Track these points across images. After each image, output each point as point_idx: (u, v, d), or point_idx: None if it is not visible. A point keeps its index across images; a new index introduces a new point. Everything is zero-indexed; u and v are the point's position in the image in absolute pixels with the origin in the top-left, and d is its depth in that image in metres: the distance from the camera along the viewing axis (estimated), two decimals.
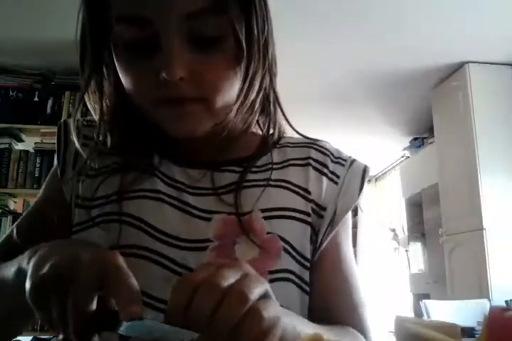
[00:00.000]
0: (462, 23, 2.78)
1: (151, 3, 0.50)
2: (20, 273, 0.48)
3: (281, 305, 0.45)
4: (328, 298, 0.62)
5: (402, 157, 4.88)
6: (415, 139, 4.43)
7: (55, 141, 0.67)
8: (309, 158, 0.65)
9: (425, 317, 2.61)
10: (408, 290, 4.67)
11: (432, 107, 3.63)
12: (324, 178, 0.64)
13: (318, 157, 0.65)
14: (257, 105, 0.60)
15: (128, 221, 0.57)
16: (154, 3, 0.50)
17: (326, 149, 0.67)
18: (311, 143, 0.67)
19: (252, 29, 0.55)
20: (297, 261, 0.59)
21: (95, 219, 0.58)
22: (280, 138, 0.67)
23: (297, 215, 0.60)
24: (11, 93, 3.09)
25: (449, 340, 0.48)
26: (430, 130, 3.93)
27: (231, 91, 0.56)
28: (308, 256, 0.60)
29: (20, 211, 3.13)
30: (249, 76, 0.56)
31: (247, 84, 0.56)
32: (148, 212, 0.58)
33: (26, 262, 0.48)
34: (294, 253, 0.59)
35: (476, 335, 1.95)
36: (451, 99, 3.33)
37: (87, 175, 0.62)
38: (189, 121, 0.55)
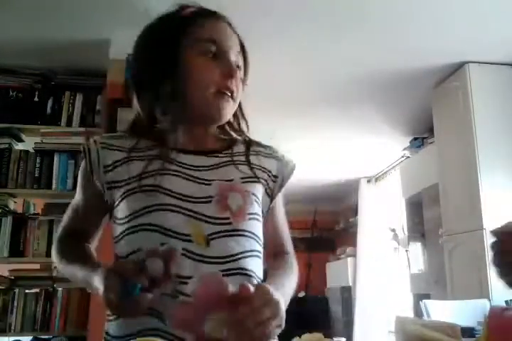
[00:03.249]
0: (462, 23, 2.78)
1: (224, 39, 0.96)
2: (91, 285, 0.87)
3: (252, 232, 0.93)
4: (275, 235, 1.04)
5: (402, 157, 4.88)
6: (415, 139, 4.43)
7: (82, 153, 0.96)
8: (260, 151, 1.04)
9: (425, 317, 2.61)
10: (408, 290, 4.67)
11: (432, 107, 3.63)
12: (273, 160, 1.04)
13: (266, 150, 1.05)
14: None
15: (151, 189, 0.89)
16: (225, 39, 0.96)
17: (270, 149, 1.06)
18: (263, 144, 1.07)
19: (246, 63, 1.01)
20: (259, 207, 0.97)
21: (125, 194, 0.90)
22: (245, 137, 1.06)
23: (258, 180, 0.99)
24: (11, 93, 3.08)
25: (449, 340, 0.48)
26: (430, 130, 3.92)
27: (240, 94, 0.98)
28: (265, 204, 1.01)
29: (20, 211, 3.13)
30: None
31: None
32: (165, 182, 0.90)
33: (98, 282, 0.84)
34: (259, 203, 0.97)
35: (476, 335, 1.95)
36: (451, 99, 3.33)
37: (113, 166, 0.93)
38: (228, 108, 0.96)
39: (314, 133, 4.45)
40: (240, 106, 1.02)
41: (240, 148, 1.02)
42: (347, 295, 6.06)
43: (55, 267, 3.30)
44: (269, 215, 1.02)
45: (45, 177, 2.93)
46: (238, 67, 0.96)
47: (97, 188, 0.93)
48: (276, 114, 3.83)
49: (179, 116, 0.96)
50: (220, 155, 0.98)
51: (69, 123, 3.03)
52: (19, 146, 3.10)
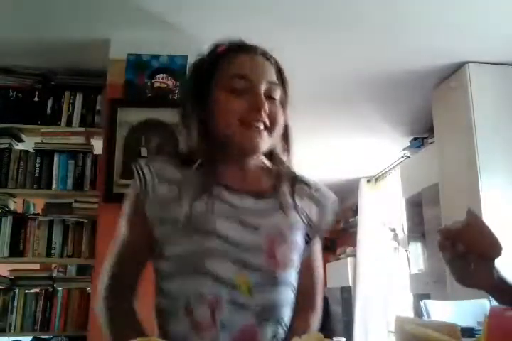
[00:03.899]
0: (462, 23, 2.78)
1: (254, 71, 0.98)
2: None
3: (291, 282, 0.96)
4: (307, 286, 1.03)
5: (402, 157, 4.88)
6: (415, 139, 4.43)
7: (135, 173, 0.97)
8: (308, 193, 1.04)
9: (425, 317, 2.61)
10: (408, 290, 4.66)
11: (432, 107, 3.63)
12: (314, 206, 1.04)
13: (310, 191, 1.05)
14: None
15: (209, 233, 0.90)
16: (256, 72, 0.98)
17: (313, 186, 1.07)
18: (308, 182, 1.08)
19: (285, 97, 1.04)
20: (299, 254, 0.99)
21: (178, 232, 0.91)
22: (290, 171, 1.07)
23: (302, 229, 1.00)
24: (11, 93, 3.08)
25: (449, 340, 0.48)
26: (430, 130, 3.92)
27: (280, 128, 1.02)
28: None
29: (20, 211, 3.13)
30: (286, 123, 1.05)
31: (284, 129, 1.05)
32: (222, 226, 0.91)
33: None
34: (300, 250, 0.99)
35: (476, 335, 1.95)
36: (451, 99, 3.33)
37: (168, 201, 0.93)
38: (260, 139, 0.96)
39: (314, 133, 4.45)
40: (285, 137, 1.05)
41: (286, 187, 1.01)
42: (347, 295, 6.06)
43: (55, 267, 3.30)
44: (304, 263, 1.01)
45: (45, 177, 2.93)
46: (271, 97, 0.97)
47: (147, 222, 0.93)
48: None
49: (217, 149, 0.98)
50: (267, 196, 0.98)
51: (69, 123, 3.03)
52: (19, 146, 3.10)
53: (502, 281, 0.92)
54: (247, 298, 0.87)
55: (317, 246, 1.06)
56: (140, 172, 0.95)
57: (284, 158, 1.05)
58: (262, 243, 0.91)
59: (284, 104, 1.02)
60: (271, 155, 1.05)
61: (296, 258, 0.96)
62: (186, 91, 1.06)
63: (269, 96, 0.97)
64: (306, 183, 1.05)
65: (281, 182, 1.01)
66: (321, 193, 1.06)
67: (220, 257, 0.88)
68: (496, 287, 0.92)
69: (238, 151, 0.98)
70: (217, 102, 0.96)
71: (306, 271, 1.02)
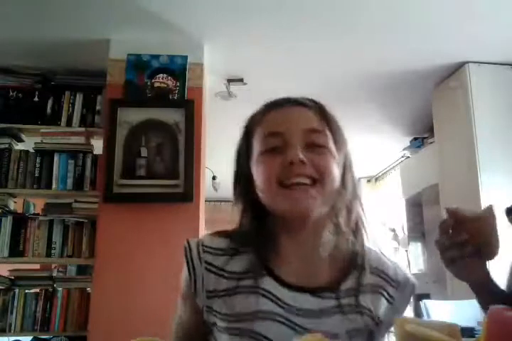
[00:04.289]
0: (462, 23, 2.78)
1: (287, 123, 0.86)
2: None
3: None
4: None
5: (402, 157, 4.88)
6: (415, 139, 4.43)
7: (184, 261, 0.88)
8: (381, 287, 0.87)
9: (425, 317, 2.61)
10: None
11: (432, 107, 3.63)
12: (385, 301, 0.87)
13: (383, 285, 0.88)
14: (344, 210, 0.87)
15: (253, 336, 0.79)
16: (288, 123, 0.86)
17: (388, 277, 0.89)
18: (381, 271, 0.89)
19: (338, 144, 0.88)
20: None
21: (226, 330, 0.81)
22: (360, 255, 0.88)
23: (367, 331, 0.82)
24: (11, 93, 3.08)
25: (449, 340, 0.48)
26: (430, 130, 3.92)
27: (335, 180, 0.84)
28: None
29: (20, 211, 3.13)
30: (344, 176, 0.88)
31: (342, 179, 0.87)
32: (269, 330, 0.79)
33: None
34: None
35: (476, 335, 1.95)
36: (451, 99, 3.33)
37: (216, 295, 0.84)
38: (305, 197, 0.80)
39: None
40: (351, 193, 0.88)
41: (352, 281, 0.85)
42: None
43: (55, 267, 3.31)
44: None
45: (45, 177, 2.93)
46: (315, 145, 0.84)
47: (197, 305, 0.86)
48: None
49: (267, 226, 0.87)
50: (326, 295, 0.83)
51: (69, 123, 3.03)
52: (19, 146, 3.09)
53: (491, 281, 0.93)
54: None
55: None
56: (190, 259, 0.87)
57: (353, 225, 0.88)
58: None
59: (338, 151, 0.87)
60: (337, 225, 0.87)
61: None
62: (236, 160, 0.93)
63: (313, 145, 0.84)
64: (381, 273, 0.88)
65: (347, 274, 0.85)
66: (399, 289, 0.88)
67: None
68: (484, 285, 0.93)
69: (286, 220, 0.84)
70: (255, 167, 0.86)
71: None
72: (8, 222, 2.87)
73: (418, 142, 4.38)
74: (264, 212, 0.86)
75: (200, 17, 2.74)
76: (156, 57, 2.90)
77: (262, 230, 0.87)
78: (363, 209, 0.89)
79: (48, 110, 3.06)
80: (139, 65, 2.89)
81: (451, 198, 3.34)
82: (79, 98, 3.07)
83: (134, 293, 2.59)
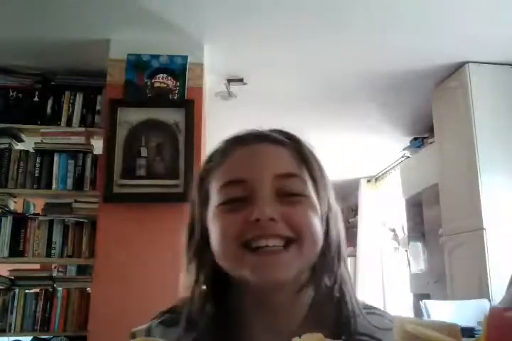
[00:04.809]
0: (462, 23, 2.78)
1: (254, 166, 0.66)
2: None
3: None
4: None
5: (402, 157, 4.88)
6: (415, 139, 4.43)
7: None
8: None
9: (425, 317, 2.61)
10: (408, 290, 4.66)
11: (432, 107, 3.63)
12: None
13: None
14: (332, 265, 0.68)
15: None
16: (253, 167, 0.66)
17: None
18: (371, 338, 0.67)
19: (320, 191, 0.69)
20: None
21: None
22: (347, 319, 0.67)
23: None
24: (11, 93, 3.08)
25: (449, 340, 0.47)
26: (430, 130, 3.92)
27: (317, 237, 0.65)
28: None
29: (20, 211, 3.13)
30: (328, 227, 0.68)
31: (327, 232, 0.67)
32: None
33: None
34: None
35: (476, 335, 1.95)
36: (451, 99, 3.33)
37: None
38: (276, 263, 0.62)
39: (314, 133, 4.43)
40: (339, 257, 0.69)
41: None
42: None
43: (55, 267, 3.31)
44: None
45: (45, 177, 2.93)
46: (290, 194, 0.66)
47: None
48: (276, 113, 3.83)
49: (226, 293, 0.69)
50: None
51: (69, 123, 3.03)
52: (19, 146, 3.09)
53: None
54: None
55: None
56: None
57: (336, 290, 0.68)
58: None
59: (320, 201, 0.68)
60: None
61: None
62: (190, 211, 0.75)
63: (287, 195, 0.65)
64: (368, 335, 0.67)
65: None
66: None
67: None
68: None
69: (252, 290, 0.66)
70: (211, 223, 0.67)
71: None
72: (8, 222, 2.87)
73: (418, 142, 4.38)
74: (223, 278, 0.68)
75: (200, 17, 2.74)
76: (156, 57, 2.90)
77: (220, 304, 0.69)
78: (348, 272, 0.71)
79: (48, 110, 3.06)
80: (139, 65, 2.89)
81: (451, 198, 3.34)
82: (79, 98, 3.07)
83: (133, 293, 2.59)
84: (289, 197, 0.65)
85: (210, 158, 0.72)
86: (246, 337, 0.67)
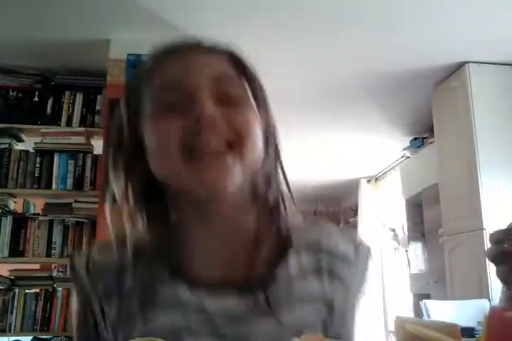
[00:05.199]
0: (462, 23, 2.78)
1: (187, 70, 0.62)
2: None
3: None
4: None
5: (402, 157, 4.88)
6: (415, 139, 4.43)
7: (74, 287, 0.70)
8: (321, 267, 0.66)
9: (425, 317, 2.61)
10: (408, 290, 4.67)
11: (432, 107, 3.63)
12: (337, 282, 0.66)
13: (328, 263, 0.67)
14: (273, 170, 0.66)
15: None
16: (189, 69, 0.62)
17: (333, 252, 0.68)
18: (320, 245, 0.68)
19: (259, 98, 0.66)
20: None
21: None
22: (291, 231, 0.68)
23: (320, 322, 0.64)
24: (11, 93, 3.08)
25: (449, 340, 0.48)
26: (430, 130, 3.92)
27: (257, 144, 0.62)
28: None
29: (20, 211, 3.13)
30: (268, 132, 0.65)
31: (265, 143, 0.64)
32: None
33: None
34: None
35: (476, 335, 1.95)
36: (451, 99, 3.33)
37: (116, 323, 0.63)
38: (221, 168, 0.58)
39: (314, 132, 4.45)
40: (277, 163, 0.67)
41: (284, 266, 0.65)
42: None
43: (55, 267, 3.31)
44: None
45: (45, 177, 2.93)
46: (229, 99, 0.62)
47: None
48: (276, 113, 3.83)
49: (164, 208, 0.65)
50: (256, 289, 0.62)
51: (69, 123, 3.03)
52: (19, 146, 3.10)
53: None
54: None
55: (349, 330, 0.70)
56: (78, 276, 0.69)
57: (276, 200, 0.67)
58: None
59: (259, 108, 0.65)
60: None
61: None
62: (117, 125, 0.67)
63: (226, 98, 0.61)
64: (322, 249, 0.67)
65: (279, 259, 0.65)
66: (351, 262, 0.68)
67: None
68: None
69: (194, 202, 0.62)
70: (146, 133, 0.62)
71: None
72: (8, 222, 2.87)
73: (418, 142, 4.38)
74: (158, 193, 0.64)
75: (200, 17, 2.74)
76: None
77: (157, 220, 0.65)
78: (287, 183, 0.68)
79: (48, 110, 3.06)
80: (138, 65, 2.89)
81: (451, 198, 3.34)
82: (79, 98, 3.08)
83: None
84: (229, 100, 0.61)
85: (141, 70, 0.68)
86: (185, 255, 0.64)
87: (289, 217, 0.68)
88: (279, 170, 0.67)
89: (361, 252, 0.69)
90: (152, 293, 0.62)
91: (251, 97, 0.64)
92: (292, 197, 0.68)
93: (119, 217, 0.66)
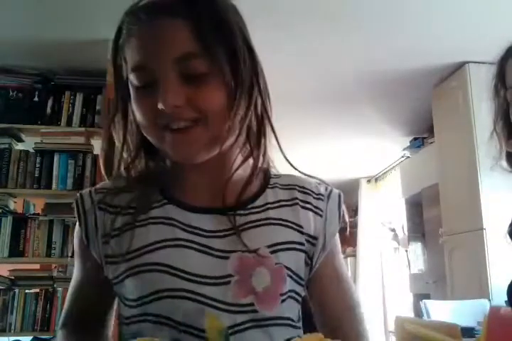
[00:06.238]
0: (462, 23, 2.78)
1: (150, 52, 0.66)
2: None
3: (288, 318, 0.71)
4: (334, 308, 0.78)
5: (402, 157, 4.88)
6: (415, 139, 4.43)
7: (74, 209, 0.77)
8: (295, 198, 0.77)
9: (425, 317, 2.61)
10: (408, 290, 4.67)
11: (432, 107, 3.63)
12: (311, 213, 0.76)
13: (302, 197, 0.78)
14: (243, 133, 0.72)
15: (158, 269, 0.68)
16: (152, 52, 0.66)
17: (307, 189, 0.79)
18: (295, 185, 0.79)
19: (236, 65, 0.69)
20: (296, 282, 0.73)
21: (127, 272, 0.69)
22: (269, 175, 0.79)
23: (295, 246, 0.73)
24: (11, 93, 3.08)
25: (449, 340, 0.48)
26: (430, 130, 3.92)
27: (225, 115, 0.68)
28: (303, 276, 0.75)
29: (20, 211, 3.13)
30: (235, 104, 0.69)
31: (234, 110, 0.68)
32: (174, 258, 0.68)
33: None
34: (295, 277, 0.73)
35: (476, 335, 1.95)
36: (451, 99, 3.33)
37: (111, 235, 0.72)
38: (191, 144, 0.68)
39: (314, 132, 4.45)
40: (262, 113, 0.74)
41: (263, 198, 0.75)
42: None
43: (55, 267, 3.31)
44: (314, 288, 0.77)
45: (45, 177, 2.93)
46: (194, 75, 0.66)
47: (95, 261, 0.74)
48: (276, 113, 3.83)
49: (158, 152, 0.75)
50: (241, 212, 0.73)
51: (69, 123, 3.03)
52: (19, 146, 3.10)
53: None
54: None
55: (331, 260, 0.78)
56: (80, 204, 0.77)
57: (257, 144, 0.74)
58: (233, 273, 0.68)
59: (237, 68, 0.68)
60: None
61: (290, 287, 0.71)
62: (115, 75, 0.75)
63: (191, 76, 0.66)
64: (298, 186, 0.78)
65: (259, 194, 0.76)
66: (325, 199, 0.78)
67: (181, 298, 0.67)
68: None
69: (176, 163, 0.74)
70: (133, 105, 0.71)
71: (319, 297, 0.78)
72: (8, 222, 2.87)
73: (418, 142, 4.38)
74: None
75: None
76: None
77: (154, 159, 0.77)
78: (273, 130, 0.75)
79: (48, 110, 3.06)
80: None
81: (451, 198, 3.35)
82: (79, 98, 3.08)
83: None
84: (194, 78, 0.66)
85: (117, 37, 0.71)
86: (178, 186, 0.75)
87: (270, 166, 0.78)
88: (266, 122, 0.75)
89: (333, 194, 0.79)
90: (146, 210, 0.72)
91: (224, 61, 0.67)
92: (281, 149, 0.75)
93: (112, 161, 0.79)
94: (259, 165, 0.74)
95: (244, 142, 0.74)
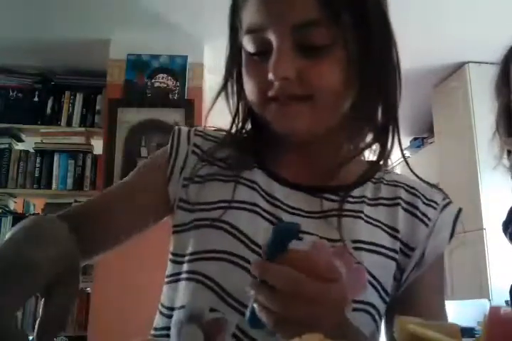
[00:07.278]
0: (462, 23, 2.78)
1: (268, 15, 0.60)
2: None
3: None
4: None
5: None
6: (415, 139, 4.43)
7: (170, 140, 0.72)
8: (398, 198, 0.68)
9: None
10: None
11: (432, 107, 3.63)
12: (415, 219, 0.67)
13: (408, 198, 0.68)
14: (366, 127, 0.67)
15: (225, 228, 0.64)
16: (271, 15, 0.60)
17: (417, 191, 0.69)
18: (403, 184, 0.70)
19: (366, 38, 0.61)
20: (380, 296, 0.62)
21: (195, 222, 0.66)
22: (377, 169, 0.71)
23: (385, 252, 0.63)
24: (11, 93, 3.09)
25: (449, 340, 0.48)
26: (430, 130, 3.92)
27: (339, 95, 0.61)
28: (389, 290, 0.64)
29: (20, 211, 3.13)
30: (365, 86, 0.62)
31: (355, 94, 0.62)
32: (245, 222, 0.64)
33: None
34: (378, 288, 0.62)
35: (476, 335, 1.95)
36: (451, 99, 3.33)
37: (193, 181, 0.68)
38: (294, 118, 0.62)
39: None
40: (375, 101, 0.66)
41: (362, 189, 0.68)
42: None
43: None
44: (398, 309, 0.65)
45: (45, 177, 2.93)
46: (311, 47, 0.59)
47: (166, 193, 0.70)
48: None
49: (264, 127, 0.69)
50: (328, 197, 0.66)
51: (69, 123, 3.04)
52: (19, 146, 3.10)
53: None
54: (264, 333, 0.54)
55: (431, 279, 0.66)
56: (176, 138, 0.72)
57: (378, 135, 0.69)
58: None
59: (360, 40, 0.60)
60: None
61: (366, 298, 0.61)
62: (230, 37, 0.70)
63: (307, 47, 0.59)
64: (407, 186, 0.70)
65: (360, 184, 0.69)
66: (437, 208, 0.68)
67: (238, 267, 0.61)
68: None
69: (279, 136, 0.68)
70: (243, 68, 0.66)
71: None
72: (8, 222, 2.87)
73: (418, 142, 4.37)
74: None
75: (200, 17, 2.74)
76: (156, 57, 2.90)
77: (259, 133, 0.71)
78: (395, 119, 0.69)
79: (48, 110, 3.06)
80: (138, 65, 2.89)
81: (451, 198, 3.34)
82: (79, 98, 3.08)
83: (134, 293, 2.59)
84: (311, 49, 0.59)
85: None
86: (276, 158, 0.70)
87: (386, 161, 0.69)
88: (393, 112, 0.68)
89: (451, 204, 0.70)
90: (235, 168, 0.68)
91: (348, 32, 0.59)
92: (401, 148, 0.69)
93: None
94: (387, 152, 0.68)
95: (359, 128, 0.68)
